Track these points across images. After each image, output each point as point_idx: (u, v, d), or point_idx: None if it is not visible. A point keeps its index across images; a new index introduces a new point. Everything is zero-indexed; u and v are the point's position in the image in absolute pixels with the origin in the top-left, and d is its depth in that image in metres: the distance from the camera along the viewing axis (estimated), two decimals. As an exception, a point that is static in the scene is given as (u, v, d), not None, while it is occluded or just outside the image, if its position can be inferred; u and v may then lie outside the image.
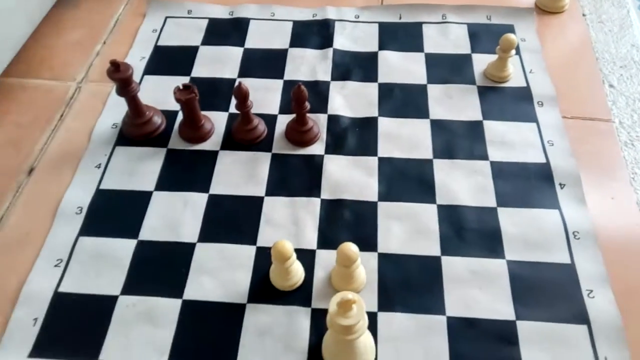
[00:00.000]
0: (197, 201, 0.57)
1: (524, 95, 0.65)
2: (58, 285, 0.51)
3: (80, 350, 0.47)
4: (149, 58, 0.73)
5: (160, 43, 0.75)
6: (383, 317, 0.48)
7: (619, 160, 0.58)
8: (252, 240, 0.54)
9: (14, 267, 0.52)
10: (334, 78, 0.69)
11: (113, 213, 0.56)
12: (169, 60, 0.72)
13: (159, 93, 0.67)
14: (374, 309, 0.48)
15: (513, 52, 0.64)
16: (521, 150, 0.60)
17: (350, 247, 0.46)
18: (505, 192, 0.56)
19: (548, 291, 0.49)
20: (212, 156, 0.61)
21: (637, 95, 0.65)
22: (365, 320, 0.39)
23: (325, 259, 0.52)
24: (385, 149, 0.61)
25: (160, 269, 0.52)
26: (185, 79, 0.70)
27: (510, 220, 0.54)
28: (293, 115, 0.62)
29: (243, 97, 0.58)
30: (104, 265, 0.52)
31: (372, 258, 0.52)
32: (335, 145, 0.61)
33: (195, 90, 0.59)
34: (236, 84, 0.57)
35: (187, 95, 0.58)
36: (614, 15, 0.75)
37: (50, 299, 0.50)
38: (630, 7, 0.76)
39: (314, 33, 0.75)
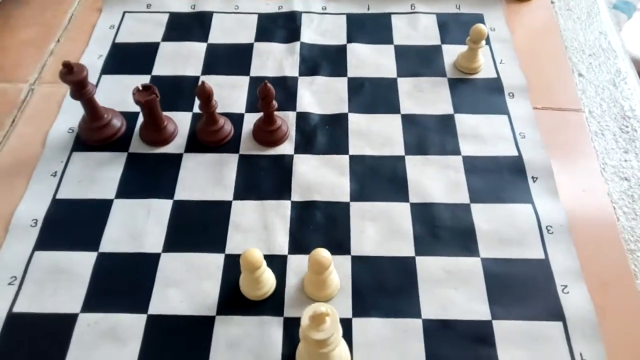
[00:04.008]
0: (161, 208, 0.54)
1: (495, 86, 0.64)
2: (12, 305, 0.48)
3: (40, 373, 0.44)
4: (106, 56, 0.69)
5: (118, 40, 0.71)
6: (358, 323, 0.46)
7: (589, 151, 0.58)
8: (220, 247, 0.51)
9: (-35, 286, 0.49)
10: (302, 73, 0.66)
11: (71, 224, 0.53)
12: (128, 58, 0.69)
13: (118, 93, 0.64)
14: (349, 315, 0.47)
15: (483, 42, 0.63)
16: (493, 144, 0.59)
17: (323, 254, 0.44)
18: (478, 188, 0.55)
19: (523, 288, 0.48)
20: (176, 160, 0.58)
21: (605, 83, 0.64)
22: (339, 332, 0.38)
23: (297, 265, 0.50)
24: (356, 146, 0.59)
25: (123, 282, 0.49)
26: (145, 78, 0.66)
27: (484, 216, 0.53)
28: (260, 114, 0.59)
29: (206, 97, 0.55)
30: (62, 281, 0.49)
31: (345, 261, 0.50)
32: (305, 144, 0.59)
33: (156, 91, 0.56)
34: (199, 83, 0.54)
35: (147, 97, 0.55)
36: (582, 2, 0.75)
37: (3, 320, 0.47)
38: (597, -7, 0.76)
39: (280, 26, 0.72)
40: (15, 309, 0.47)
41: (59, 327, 0.46)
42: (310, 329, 0.36)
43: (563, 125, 0.60)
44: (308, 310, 0.37)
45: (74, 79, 0.55)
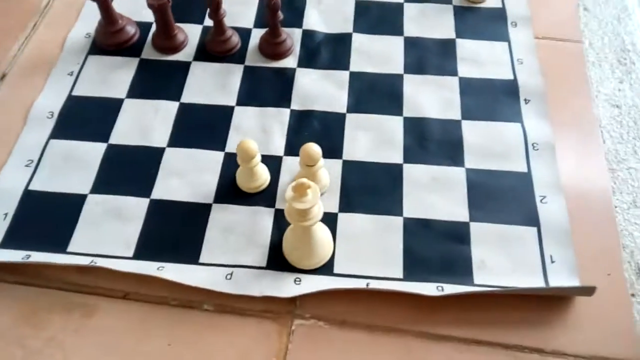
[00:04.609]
0: (169, 109, 0.57)
1: (499, 16, 0.65)
2: (28, 183, 0.52)
3: (50, 242, 0.48)
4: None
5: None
6: (343, 217, 0.50)
7: (584, 79, 0.59)
8: (221, 146, 0.55)
9: (-14, 165, 0.53)
10: (310, -6, 0.68)
11: (84, 118, 0.57)
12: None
13: (132, 4, 0.66)
14: (335, 210, 0.50)
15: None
16: (490, 68, 0.60)
17: (313, 147, 0.47)
18: (471, 106, 0.57)
19: (503, 197, 0.51)
20: (184, 67, 0.61)
21: (610, 19, 0.65)
22: (320, 207, 0.41)
23: (291, 165, 0.53)
24: (357, 63, 0.61)
25: (129, 170, 0.53)
26: (159, -8, 0.68)
27: (473, 131, 0.55)
28: (267, 29, 0.61)
29: (216, 4, 0.58)
30: (74, 166, 0.53)
31: (336, 164, 0.53)
32: (308, 59, 0.62)
33: (168, -2, 0.58)
34: (208, -9, 0.56)
35: (160, 1, 0.58)
36: (598, -61, 0.74)
37: (20, 196, 0.51)
38: None
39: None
40: (31, 187, 0.52)
41: (69, 204, 0.51)
42: (293, 199, 0.40)
43: (561, 54, 0.61)
44: (292, 183, 0.40)
45: (91, -19, 0.57)
